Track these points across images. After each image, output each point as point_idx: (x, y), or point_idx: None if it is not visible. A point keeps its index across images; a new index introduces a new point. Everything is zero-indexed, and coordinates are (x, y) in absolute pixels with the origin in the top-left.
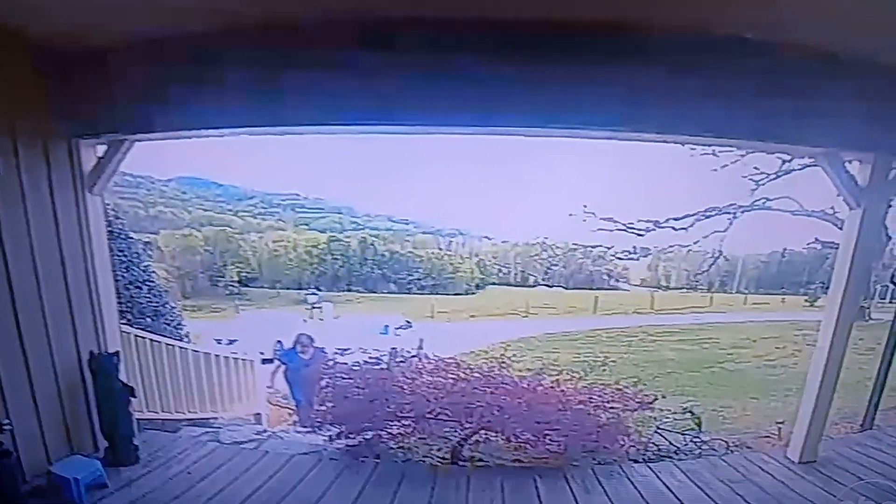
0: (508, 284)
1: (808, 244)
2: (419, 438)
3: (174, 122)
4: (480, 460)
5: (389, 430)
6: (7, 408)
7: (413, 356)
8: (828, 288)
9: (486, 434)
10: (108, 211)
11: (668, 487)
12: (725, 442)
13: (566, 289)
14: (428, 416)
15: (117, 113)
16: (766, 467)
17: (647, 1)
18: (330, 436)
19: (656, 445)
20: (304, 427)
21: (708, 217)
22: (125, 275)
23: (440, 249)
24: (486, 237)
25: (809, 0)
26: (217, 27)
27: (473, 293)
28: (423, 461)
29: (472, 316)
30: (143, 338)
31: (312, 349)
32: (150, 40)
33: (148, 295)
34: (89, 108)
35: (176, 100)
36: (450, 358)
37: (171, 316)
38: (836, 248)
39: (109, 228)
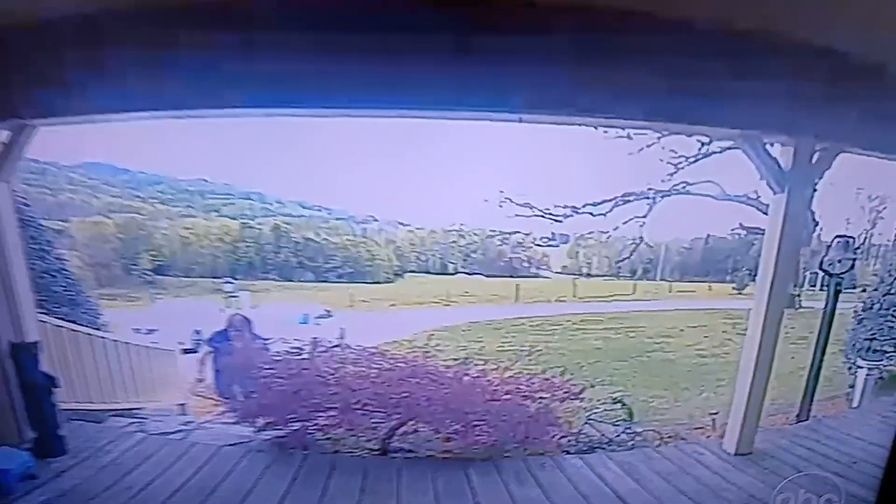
0: (427, 272)
1: (732, 230)
2: (347, 430)
3: (76, 106)
4: (410, 451)
5: (316, 422)
6: None
7: (335, 346)
8: (755, 275)
9: (414, 425)
10: (16, 198)
11: (602, 480)
12: (658, 433)
13: (486, 276)
14: (354, 407)
15: (19, 97)
16: (701, 459)
17: None
18: (257, 427)
19: (587, 436)
20: (232, 418)
21: (626, 202)
22: (39, 263)
23: (355, 236)
24: (401, 223)
25: None
26: (117, 8)
27: (392, 281)
28: (353, 453)
29: (393, 304)
30: (62, 327)
31: (248, 334)
32: (50, 21)
33: (63, 283)
34: None
35: (77, 83)
36: (372, 348)
37: (88, 305)
38: (762, 234)
39: (19, 216)
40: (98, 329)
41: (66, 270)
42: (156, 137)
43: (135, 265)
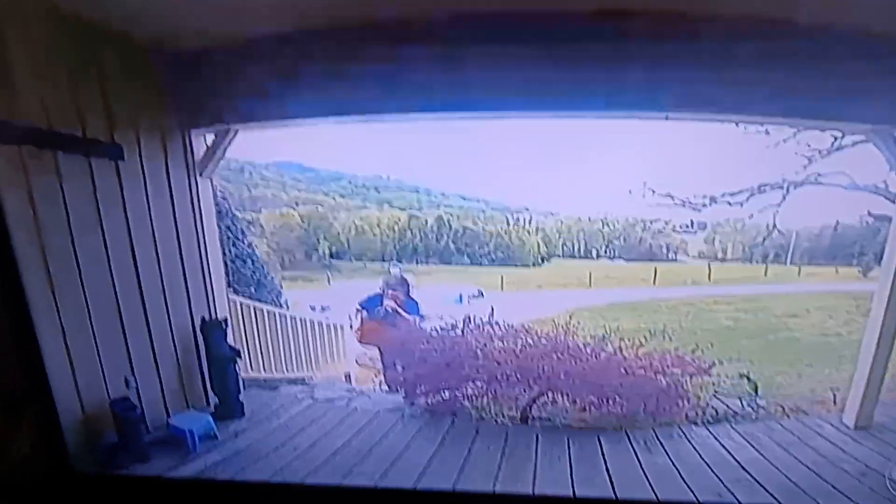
0: (572, 257)
1: (860, 217)
2: (491, 399)
3: (272, 112)
4: (548, 420)
5: (464, 391)
6: (132, 367)
7: (485, 323)
8: (881, 260)
9: (552, 396)
10: (216, 192)
11: (725, 449)
12: (781, 406)
13: (627, 261)
14: (499, 378)
15: (223, 105)
16: (821, 431)
17: None
18: (412, 395)
19: (714, 409)
20: (389, 387)
21: (762, 192)
22: (232, 249)
23: (509, 225)
24: (551, 213)
25: None
26: (310, 27)
27: (539, 265)
28: (495, 420)
29: (539, 286)
30: (248, 305)
31: (401, 299)
32: (249, 40)
33: (251, 267)
34: (199, 102)
35: (274, 93)
36: (518, 325)
37: (272, 286)
38: (889, 221)
39: (217, 208)
40: (279, 307)
41: (254, 255)
42: (339, 138)
43: (315, 251)
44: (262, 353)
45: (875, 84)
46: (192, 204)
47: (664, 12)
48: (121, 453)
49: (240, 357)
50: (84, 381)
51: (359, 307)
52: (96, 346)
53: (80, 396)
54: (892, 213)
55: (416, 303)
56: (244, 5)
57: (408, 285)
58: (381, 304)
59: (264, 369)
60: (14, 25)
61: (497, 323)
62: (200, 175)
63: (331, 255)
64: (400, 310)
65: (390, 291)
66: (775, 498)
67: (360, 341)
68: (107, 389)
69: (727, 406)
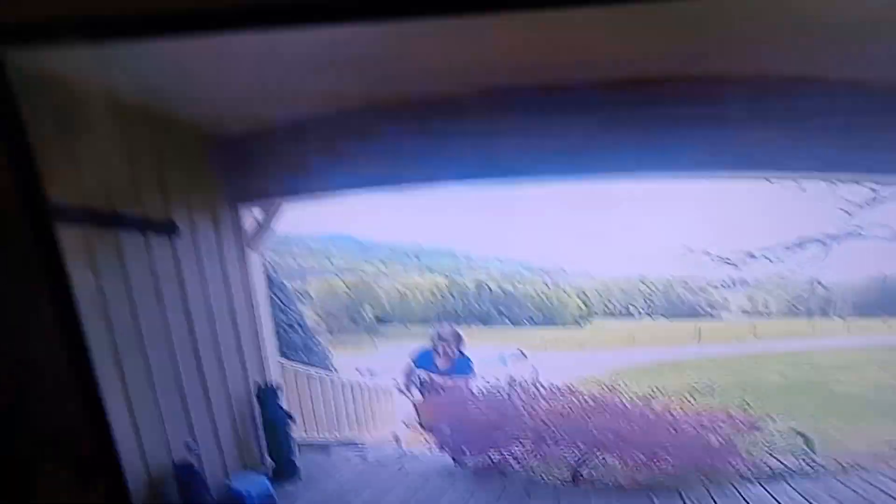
0: (613, 316)
1: None
2: (540, 460)
3: (315, 186)
4: (599, 480)
5: (513, 453)
6: (193, 432)
7: (530, 384)
8: None
9: (602, 455)
10: (266, 263)
11: None
12: (839, 462)
13: (669, 319)
14: (546, 439)
15: (269, 182)
16: (884, 488)
17: (720, 55)
18: (460, 457)
19: (769, 467)
20: (439, 449)
21: (802, 247)
22: (282, 317)
23: (547, 286)
24: (589, 274)
25: (888, 41)
26: (344, 107)
27: (581, 325)
28: (546, 481)
29: (581, 346)
30: (299, 371)
31: (454, 352)
32: (292, 121)
33: (301, 334)
34: (247, 180)
35: (316, 168)
36: (563, 385)
37: (321, 351)
38: None
39: (268, 279)
40: (328, 371)
41: (303, 322)
42: (378, 210)
43: (360, 316)
44: (314, 416)
45: None
46: (244, 275)
47: (690, 77)
48: None
49: (293, 421)
50: (149, 447)
51: (410, 362)
52: (160, 413)
53: (145, 462)
54: None
55: (469, 360)
56: (287, 93)
57: (460, 339)
58: (433, 360)
59: (317, 432)
60: (79, 117)
61: (542, 383)
62: (250, 248)
63: (376, 320)
64: (441, 379)
65: (442, 344)
66: None
67: (424, 427)
68: (170, 454)
69: (782, 463)
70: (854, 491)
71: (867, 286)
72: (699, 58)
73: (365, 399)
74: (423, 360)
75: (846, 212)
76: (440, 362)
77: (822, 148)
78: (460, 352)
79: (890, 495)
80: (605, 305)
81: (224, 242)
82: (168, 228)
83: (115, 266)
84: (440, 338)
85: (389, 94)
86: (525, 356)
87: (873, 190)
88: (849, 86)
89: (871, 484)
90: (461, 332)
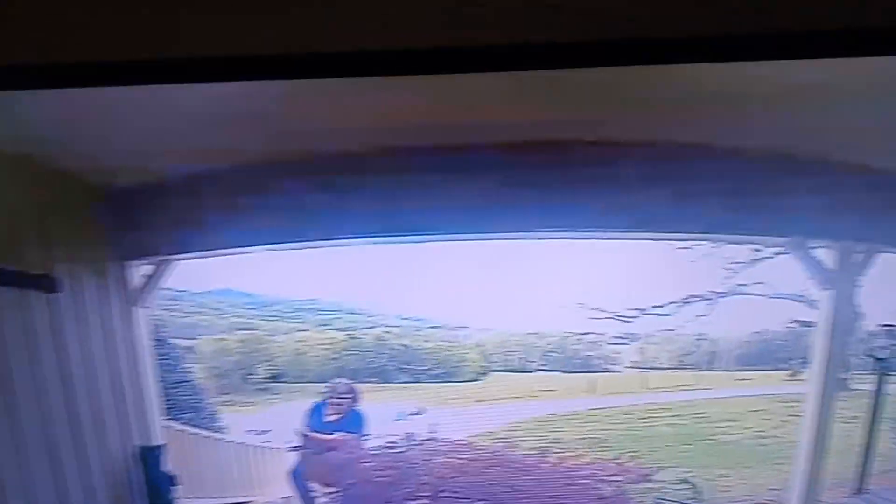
0: (510, 371)
1: (786, 324)
2: None
3: (208, 242)
4: None
5: None
6: (68, 499)
7: (427, 440)
8: (808, 363)
9: None
10: (154, 321)
11: None
12: None
13: (563, 372)
14: (443, 495)
15: (159, 238)
16: None
17: (617, 122)
18: None
19: None
20: None
21: (688, 303)
22: (168, 376)
23: (447, 342)
24: (488, 329)
25: (768, 112)
26: (241, 163)
27: (478, 380)
28: None
29: (479, 401)
30: (185, 431)
31: (347, 408)
32: (186, 176)
33: (188, 392)
34: (136, 235)
35: (209, 224)
36: (460, 440)
37: (209, 410)
38: (814, 327)
39: (154, 337)
40: (216, 431)
41: (190, 381)
42: (274, 264)
43: (252, 374)
44: (201, 478)
45: (788, 200)
46: (130, 334)
47: (587, 141)
48: None
49: (176, 483)
50: None
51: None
52: (32, 479)
53: None
54: (815, 319)
55: (361, 416)
56: (183, 146)
57: (357, 396)
58: (322, 413)
59: (205, 494)
60: None
61: (438, 439)
62: (138, 305)
63: (268, 378)
64: (325, 435)
65: (334, 399)
66: None
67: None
68: None
69: None
70: None
71: (749, 340)
72: (597, 124)
73: (256, 459)
74: (314, 413)
75: (731, 270)
76: (331, 417)
77: (708, 211)
78: (353, 409)
79: None
80: (503, 360)
81: (109, 299)
82: (48, 285)
83: None
84: (335, 394)
85: (288, 151)
86: (423, 412)
87: (756, 250)
88: (732, 153)
89: None
90: (358, 389)
